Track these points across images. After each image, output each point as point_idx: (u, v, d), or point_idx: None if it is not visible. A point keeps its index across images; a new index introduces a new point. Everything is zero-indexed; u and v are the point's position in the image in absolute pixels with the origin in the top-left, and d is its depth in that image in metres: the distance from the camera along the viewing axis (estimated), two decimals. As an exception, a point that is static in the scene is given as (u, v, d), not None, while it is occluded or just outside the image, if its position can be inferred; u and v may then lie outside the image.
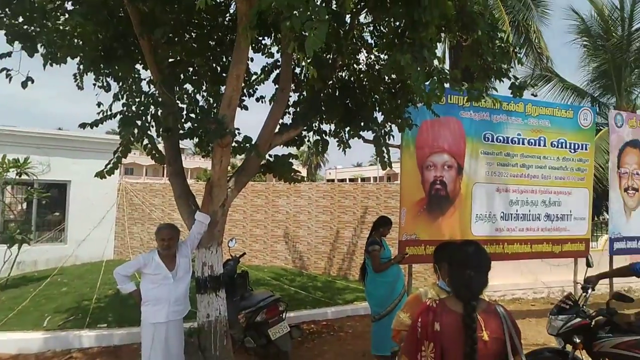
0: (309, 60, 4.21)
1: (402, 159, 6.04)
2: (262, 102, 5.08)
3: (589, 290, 3.85)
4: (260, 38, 4.75)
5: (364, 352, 5.54)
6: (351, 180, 48.01)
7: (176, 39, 4.13)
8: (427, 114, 5.23)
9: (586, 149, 7.32)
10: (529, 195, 6.92)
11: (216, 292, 4.21)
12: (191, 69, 4.35)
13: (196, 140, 4.17)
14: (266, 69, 5.31)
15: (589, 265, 4.13)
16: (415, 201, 6.03)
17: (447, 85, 3.83)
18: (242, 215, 11.88)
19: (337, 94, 4.91)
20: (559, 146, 7.12)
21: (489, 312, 2.01)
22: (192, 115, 3.77)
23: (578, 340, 3.63)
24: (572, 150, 7.21)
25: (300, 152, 54.32)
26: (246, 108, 4.89)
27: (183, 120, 3.91)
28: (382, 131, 4.87)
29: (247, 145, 3.89)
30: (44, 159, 10.49)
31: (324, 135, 5.05)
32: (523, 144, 6.87)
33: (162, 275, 3.77)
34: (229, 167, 4.10)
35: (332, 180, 49.59)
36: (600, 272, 4.02)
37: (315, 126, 5.08)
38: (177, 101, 4.24)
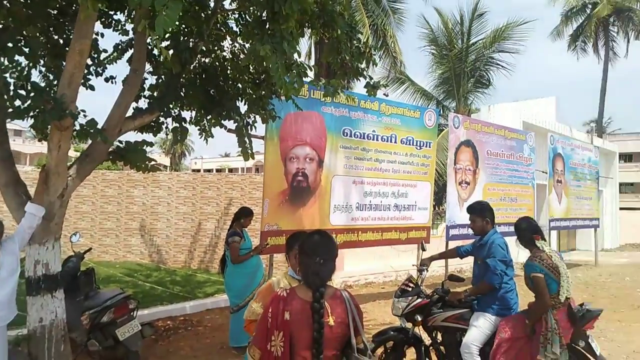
0: (165, 43, 3.95)
1: (265, 151, 6.06)
2: (112, 82, 4.63)
3: (424, 272, 4.32)
4: (112, 12, 4.31)
5: (222, 344, 5.47)
6: (218, 170, 46.87)
7: (4, 2, 3.52)
8: (291, 106, 5.31)
9: (430, 147, 8.18)
10: (381, 187, 7.50)
11: (52, 293, 3.74)
12: (23, 39, 3.75)
13: (31, 121, 3.63)
14: (119, 47, 4.84)
15: (423, 249, 4.63)
16: (278, 192, 6.11)
17: (308, 79, 3.92)
18: (91, 207, 10.79)
19: (198, 80, 4.70)
20: (407, 143, 7.84)
21: (335, 298, 2.11)
22: (23, 92, 3.25)
23: (420, 319, 4.04)
24: (418, 147, 8.00)
25: (162, 140, 51.31)
26: (92, 88, 4.39)
27: (11, 96, 3.35)
28: (245, 121, 4.80)
29: (92, 129, 3.50)
30: None
31: (183, 122, 4.80)
32: (377, 140, 7.40)
33: None
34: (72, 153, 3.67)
35: (198, 170, 47.89)
36: (431, 255, 4.56)
37: (175, 112, 4.80)
38: (6, 75, 3.63)
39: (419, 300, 4.07)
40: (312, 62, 11.34)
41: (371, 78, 4.66)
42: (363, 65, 4.66)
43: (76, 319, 4.56)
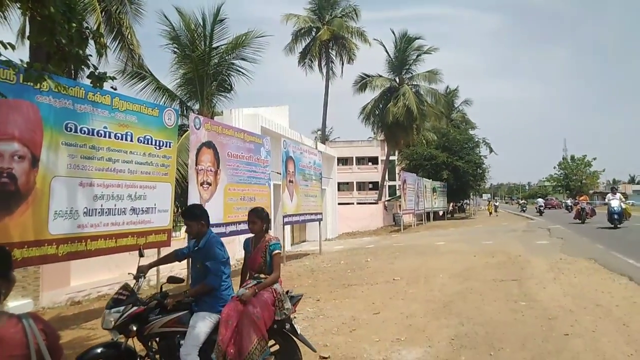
0: None
1: (-50, 145, 4.74)
2: None
3: (141, 279, 4.14)
4: None
5: None
6: None
7: None
8: (-10, 92, 4.30)
9: (170, 147, 7.94)
10: (115, 190, 6.86)
11: None
12: None
13: None
14: None
15: (141, 255, 4.42)
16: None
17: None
18: None
19: None
20: (146, 142, 7.41)
21: (7, 327, 1.73)
22: None
23: (135, 329, 3.78)
24: (158, 147, 7.66)
25: None
26: None
27: None
28: None
29: None
30: None
31: None
32: (110, 137, 6.74)
33: None
34: None
35: None
36: (150, 262, 4.41)
37: None
38: None
39: (135, 308, 3.80)
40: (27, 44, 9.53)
41: (96, 68, 4.18)
42: (86, 53, 4.15)
43: None
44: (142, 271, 4.17)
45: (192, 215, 4.27)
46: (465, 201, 51.71)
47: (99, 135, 6.57)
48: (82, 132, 6.28)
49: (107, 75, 4.32)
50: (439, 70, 36.29)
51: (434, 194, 34.07)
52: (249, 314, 3.87)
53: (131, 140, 7.13)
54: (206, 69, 15.68)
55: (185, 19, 15.33)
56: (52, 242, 5.78)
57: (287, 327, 4.12)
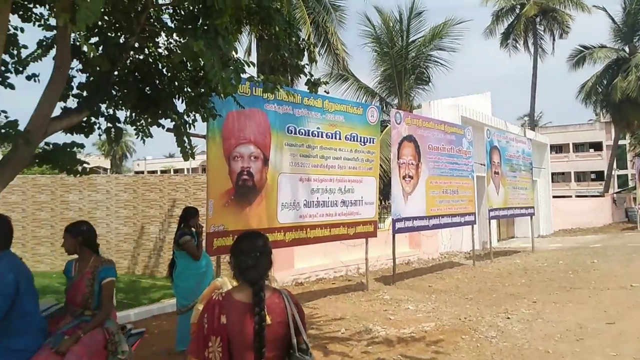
0: (94, 40, 3.74)
1: (208, 150, 5.91)
2: (36, 81, 4.32)
3: None
4: (30, 5, 4.02)
5: (169, 350, 5.29)
6: (163, 172, 45.37)
7: None
8: (233, 104, 5.21)
9: (373, 142, 8.32)
10: (328, 184, 7.54)
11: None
12: None
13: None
14: (44, 43, 4.53)
15: None
16: (223, 192, 5.98)
17: (245, 76, 3.84)
18: (22, 215, 10.12)
19: (131, 78, 4.49)
20: (352, 139, 7.93)
21: (273, 297, 2.08)
22: None
23: None
24: (362, 144, 8.11)
25: (102, 142, 48.97)
26: (12, 87, 4.08)
27: None
28: (183, 120, 4.65)
29: (13, 131, 3.25)
30: None
31: (117, 122, 4.57)
32: (322, 137, 7.44)
33: None
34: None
35: (141, 172, 46.12)
36: None
37: (108, 112, 4.57)
38: None
39: None
40: (255, 59, 11.21)
41: (312, 75, 4.65)
42: (303, 62, 4.65)
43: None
44: None
45: None
46: None
47: (313, 135, 7.30)
48: (300, 133, 7.08)
49: (321, 80, 4.78)
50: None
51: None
52: None
53: (339, 139, 7.73)
54: (404, 63, 15.88)
55: (384, 17, 15.82)
56: (281, 230, 6.70)
57: None
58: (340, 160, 7.75)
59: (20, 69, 4.18)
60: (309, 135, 7.23)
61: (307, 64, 4.87)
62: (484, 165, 12.58)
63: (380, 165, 10.36)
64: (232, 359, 1.94)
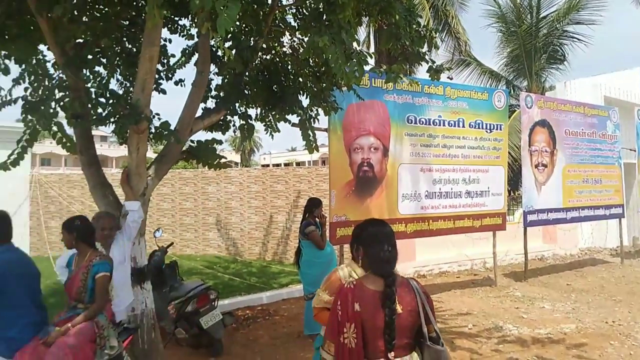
0: (228, 44, 4.09)
1: (329, 142, 6.10)
2: (182, 85, 4.88)
3: None
4: (177, 18, 4.54)
5: (299, 333, 5.61)
6: (286, 164, 47.90)
7: (83, 17, 3.83)
8: (353, 97, 5.31)
9: (501, 129, 7.80)
10: (451, 174, 7.28)
11: (140, 285, 4.03)
12: (101, 51, 4.06)
13: (112, 126, 3.93)
14: (187, 51, 5.09)
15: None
16: (344, 183, 6.13)
17: (368, 67, 3.87)
18: (171, 204, 11.48)
19: (260, 77, 4.83)
20: (476, 127, 7.53)
21: (403, 286, 2.09)
22: (103, 100, 3.52)
23: None
24: (488, 131, 7.65)
25: (233, 138, 53.31)
26: (164, 92, 4.66)
27: (93, 105, 3.65)
28: (307, 114, 4.86)
29: (166, 131, 3.72)
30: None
31: (249, 119, 4.96)
32: (444, 125, 7.18)
33: None
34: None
35: (267, 165, 49.26)
36: None
37: (241, 110, 4.97)
38: (88, 85, 3.95)
39: None
40: (372, 50, 11.20)
41: (433, 62, 4.52)
42: (424, 50, 4.54)
43: (163, 309, 4.91)
44: None
45: None
46: None
47: (435, 124, 7.09)
48: (421, 122, 6.93)
49: (444, 66, 4.61)
50: None
51: None
52: None
53: (463, 126, 7.39)
54: (534, 42, 14.54)
55: (511, -8, 14.62)
56: (402, 221, 6.66)
57: None
58: (464, 149, 7.41)
59: (170, 75, 4.75)
60: (429, 124, 7.04)
61: (427, 51, 4.74)
62: (634, 151, 11.02)
63: (509, 152, 9.65)
64: (365, 344, 2.00)
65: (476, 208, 7.57)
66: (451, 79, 5.59)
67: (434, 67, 4.53)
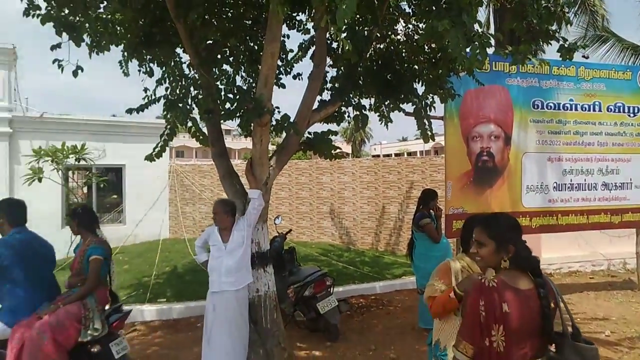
0: (343, 35, 4.15)
1: (445, 131, 5.89)
2: (299, 79, 5.09)
3: None
4: (295, 14, 4.72)
5: (413, 325, 5.56)
6: (397, 155, 47.29)
7: (213, 20, 4.18)
8: (471, 83, 5.05)
9: (647, 112, 6.82)
10: (584, 164, 6.57)
11: (264, 268, 4.32)
12: (228, 50, 4.41)
13: (238, 120, 4.26)
14: (303, 46, 5.28)
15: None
16: (462, 174, 5.89)
17: (490, 50, 3.65)
18: (288, 193, 12.06)
19: (375, 67, 4.82)
20: (616, 110, 6.69)
21: (529, 287, 2.00)
22: (230, 96, 3.82)
23: None
24: (632, 114, 6.76)
25: (344, 129, 54.07)
26: (283, 86, 4.90)
27: (222, 101, 3.98)
28: (423, 103, 4.74)
29: (286, 123, 3.92)
30: (99, 145, 11.04)
31: (363, 110, 4.99)
32: (576, 109, 6.50)
33: (217, 247, 3.94)
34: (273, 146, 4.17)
35: (378, 156, 49.15)
36: None
37: (355, 101, 5.03)
38: (217, 83, 4.32)
39: None
40: (491, 32, 10.47)
41: (565, 40, 4.10)
42: (554, 27, 4.14)
43: (283, 292, 5.21)
44: None
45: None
46: None
47: (565, 109, 6.45)
48: (549, 107, 6.35)
49: (578, 45, 4.15)
50: None
51: None
52: (32, 336, 3.15)
53: (599, 110, 6.62)
54: (694, 8, 12.35)
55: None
56: (526, 214, 6.19)
57: (95, 350, 3.38)
58: (601, 135, 6.63)
59: (288, 70, 4.98)
60: (559, 109, 6.41)
61: (557, 29, 4.32)
62: None
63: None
64: (511, 347, 1.89)
65: (615, 202, 6.74)
66: (587, 57, 5.02)
67: (566, 45, 4.11)
